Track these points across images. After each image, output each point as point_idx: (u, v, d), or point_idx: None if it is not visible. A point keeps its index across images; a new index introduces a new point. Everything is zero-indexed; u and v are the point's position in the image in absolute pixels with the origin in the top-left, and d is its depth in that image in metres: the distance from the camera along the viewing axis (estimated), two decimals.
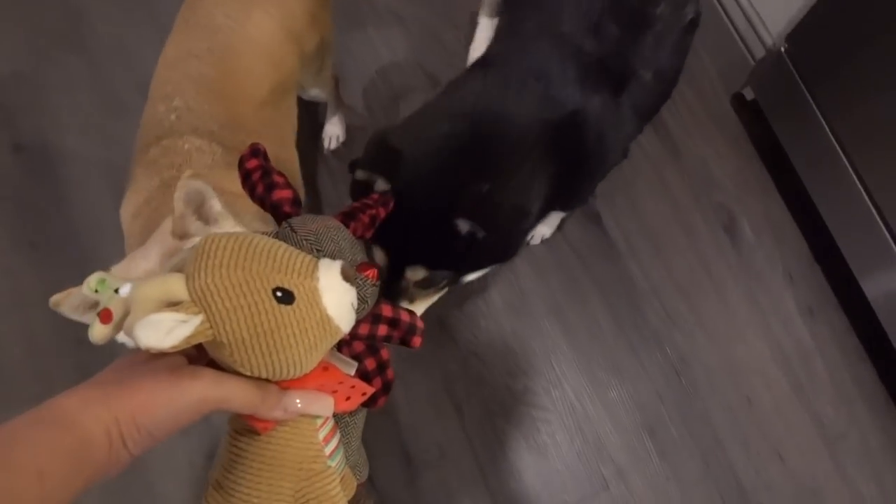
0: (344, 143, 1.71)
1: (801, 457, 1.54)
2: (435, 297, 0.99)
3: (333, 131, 1.69)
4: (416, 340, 0.61)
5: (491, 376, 1.56)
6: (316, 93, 1.44)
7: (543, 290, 1.62)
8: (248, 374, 0.49)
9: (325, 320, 0.49)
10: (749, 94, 1.73)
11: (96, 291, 0.47)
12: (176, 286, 0.45)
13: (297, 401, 0.52)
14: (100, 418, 0.44)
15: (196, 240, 0.69)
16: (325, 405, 0.53)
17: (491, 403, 1.54)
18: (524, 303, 1.61)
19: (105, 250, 1.58)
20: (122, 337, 0.47)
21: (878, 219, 1.42)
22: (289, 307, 0.47)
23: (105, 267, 0.67)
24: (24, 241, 1.55)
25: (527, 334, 1.59)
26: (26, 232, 1.57)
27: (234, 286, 0.46)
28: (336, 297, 0.49)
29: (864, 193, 1.43)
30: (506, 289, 1.62)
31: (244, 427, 0.53)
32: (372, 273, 0.54)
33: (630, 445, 1.52)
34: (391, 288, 0.93)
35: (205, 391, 0.47)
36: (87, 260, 1.55)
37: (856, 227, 1.48)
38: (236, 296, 0.46)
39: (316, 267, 0.50)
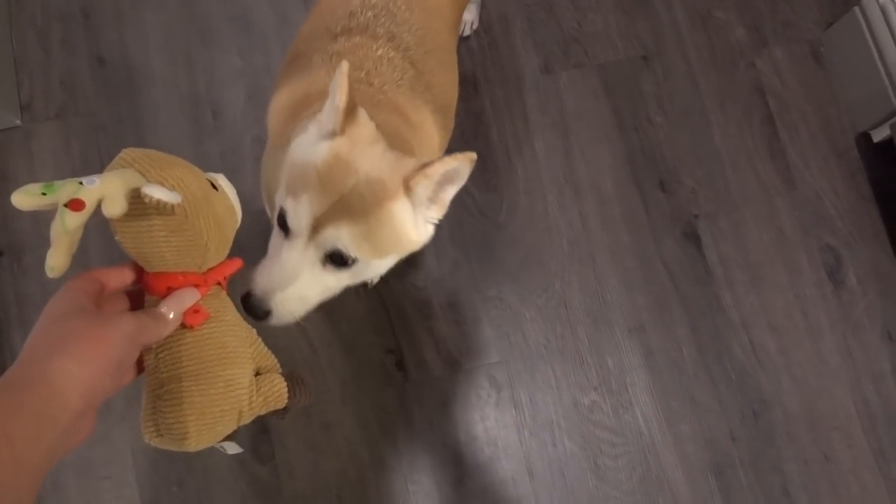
0: (476, 32, 1.64)
1: None
2: None
3: (467, 17, 1.61)
4: None
5: (558, 385, 1.47)
6: None
7: (628, 304, 1.52)
8: (186, 261, 0.57)
9: (233, 209, 0.62)
10: (878, 136, 1.59)
11: (44, 194, 0.49)
12: (131, 176, 0.52)
13: (172, 303, 0.57)
14: (64, 370, 0.45)
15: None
16: (191, 295, 0.59)
17: (554, 413, 1.45)
18: (604, 314, 1.51)
19: None
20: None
21: None
22: (218, 193, 0.59)
23: None
24: (95, 163, 1.46)
25: (603, 348, 1.49)
26: (98, 154, 1.48)
27: (187, 174, 0.56)
28: (233, 193, 0.62)
29: None
30: (588, 295, 1.52)
31: (176, 341, 0.58)
32: None
33: (694, 483, 1.43)
34: None
35: (131, 321, 0.52)
36: None
37: None
38: (191, 181, 0.56)
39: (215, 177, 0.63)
